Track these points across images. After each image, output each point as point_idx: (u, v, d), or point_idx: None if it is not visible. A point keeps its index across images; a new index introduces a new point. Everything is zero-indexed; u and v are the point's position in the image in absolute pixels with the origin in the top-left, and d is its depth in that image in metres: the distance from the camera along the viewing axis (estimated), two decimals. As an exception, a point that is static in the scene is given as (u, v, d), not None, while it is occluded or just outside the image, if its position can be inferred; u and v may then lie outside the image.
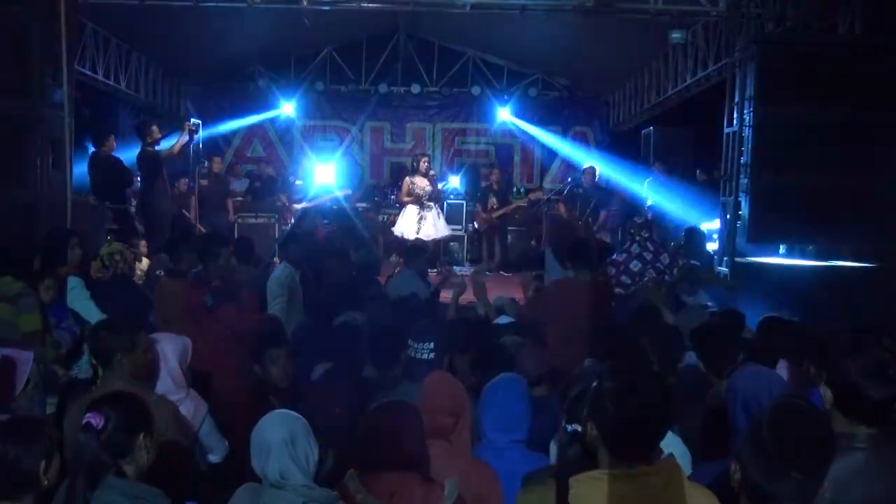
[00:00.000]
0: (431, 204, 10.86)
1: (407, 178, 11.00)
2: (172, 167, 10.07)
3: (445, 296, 6.77)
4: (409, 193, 10.83)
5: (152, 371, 3.66)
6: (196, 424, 3.73)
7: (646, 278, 6.84)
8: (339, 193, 12.18)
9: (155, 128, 9.63)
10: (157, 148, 9.55)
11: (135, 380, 3.44)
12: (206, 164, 11.84)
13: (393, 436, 2.74)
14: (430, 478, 2.75)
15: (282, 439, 2.64)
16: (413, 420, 2.82)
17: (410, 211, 10.83)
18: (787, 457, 2.09)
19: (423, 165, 10.94)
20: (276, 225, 11.72)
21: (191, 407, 3.74)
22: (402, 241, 10.58)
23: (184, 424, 3.49)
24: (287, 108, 14.85)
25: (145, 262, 8.46)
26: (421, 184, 10.80)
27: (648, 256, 6.96)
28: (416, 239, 10.24)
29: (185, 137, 9.77)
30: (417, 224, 10.73)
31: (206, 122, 14.14)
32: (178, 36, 11.30)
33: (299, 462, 2.63)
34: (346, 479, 2.72)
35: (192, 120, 10.26)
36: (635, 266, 6.91)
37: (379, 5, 9.58)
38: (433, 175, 11.31)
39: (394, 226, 11.14)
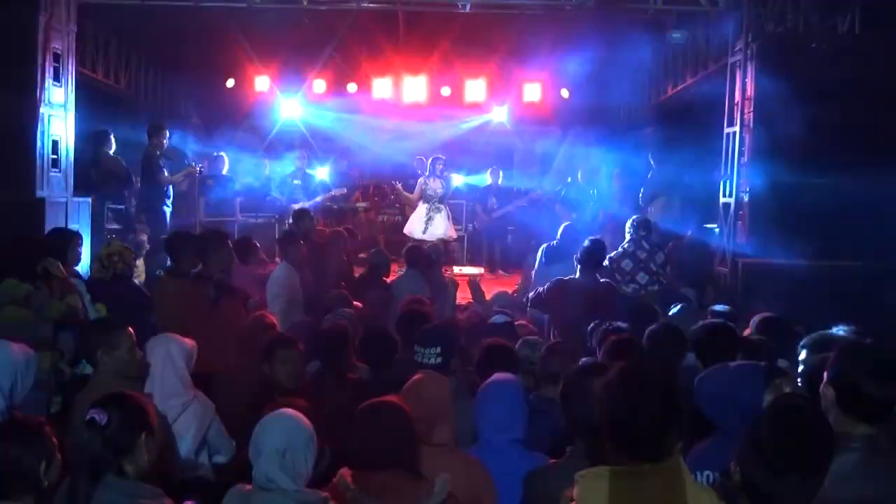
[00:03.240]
0: (442, 206, 10.96)
1: (421, 179, 11.15)
2: (171, 168, 10.07)
3: None
4: (422, 194, 10.96)
5: (141, 370, 3.65)
6: (205, 426, 3.74)
7: (637, 277, 6.84)
8: (337, 193, 12.11)
9: (165, 132, 9.68)
10: (159, 154, 9.59)
11: (123, 378, 3.44)
12: (201, 166, 11.79)
13: (382, 434, 2.74)
14: (421, 475, 2.75)
15: (275, 446, 2.61)
16: (402, 418, 2.81)
17: (420, 211, 10.96)
18: (786, 457, 2.09)
19: (438, 167, 11.06)
20: (276, 225, 11.68)
21: (199, 408, 3.74)
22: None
23: (164, 426, 3.46)
24: (288, 108, 14.73)
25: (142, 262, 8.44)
26: (433, 185, 10.92)
27: (642, 255, 6.95)
28: (422, 239, 10.31)
29: (185, 177, 10.13)
30: (425, 224, 10.80)
31: (206, 121, 14.17)
32: (178, 35, 11.27)
33: (288, 471, 2.60)
34: (337, 478, 2.72)
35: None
36: (627, 265, 6.91)
37: (378, 5, 9.56)
38: (447, 175, 11.42)
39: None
